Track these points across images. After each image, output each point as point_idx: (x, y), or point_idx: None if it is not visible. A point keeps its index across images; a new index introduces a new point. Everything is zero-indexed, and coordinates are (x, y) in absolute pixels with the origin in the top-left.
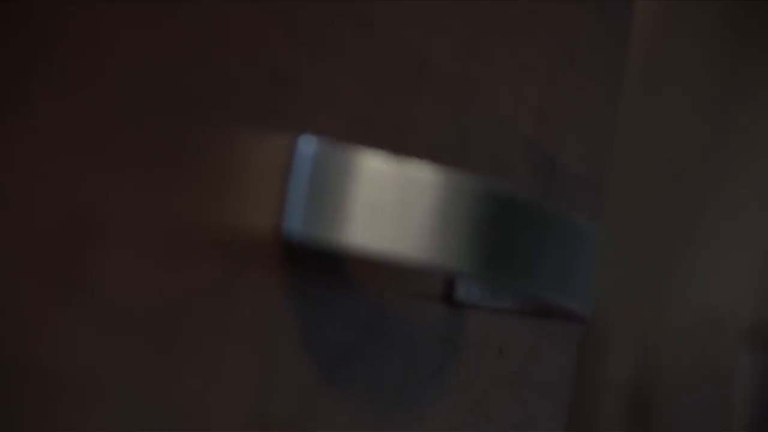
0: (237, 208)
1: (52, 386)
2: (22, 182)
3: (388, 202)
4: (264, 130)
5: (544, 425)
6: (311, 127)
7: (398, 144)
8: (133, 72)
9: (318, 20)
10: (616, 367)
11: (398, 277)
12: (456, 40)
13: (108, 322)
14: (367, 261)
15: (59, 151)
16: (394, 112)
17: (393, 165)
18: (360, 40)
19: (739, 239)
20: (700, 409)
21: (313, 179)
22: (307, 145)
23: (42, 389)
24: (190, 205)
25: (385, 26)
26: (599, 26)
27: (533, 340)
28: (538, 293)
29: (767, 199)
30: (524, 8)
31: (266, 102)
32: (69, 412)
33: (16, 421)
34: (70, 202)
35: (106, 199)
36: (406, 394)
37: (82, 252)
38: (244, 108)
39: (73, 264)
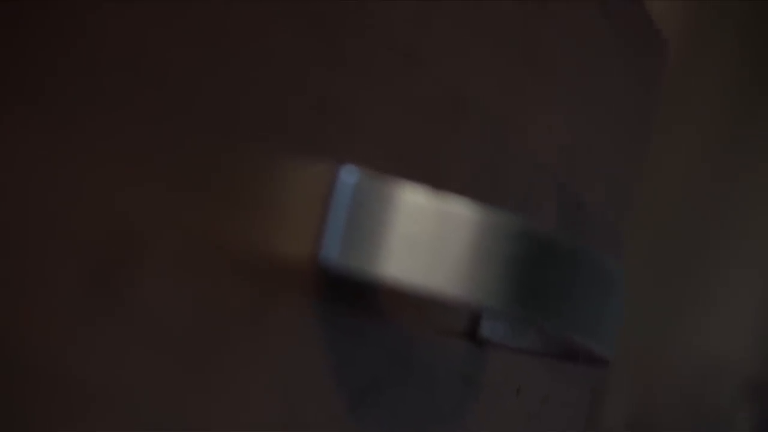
0: (275, 232)
1: (79, 394)
2: (68, 195)
3: (424, 237)
4: (307, 157)
5: None
6: (352, 157)
7: (434, 177)
8: (177, 91)
9: (365, 52)
10: (614, 410)
11: (425, 311)
12: (493, 79)
13: (141, 336)
14: (398, 293)
15: (104, 166)
16: (433, 147)
17: (432, 200)
18: (404, 74)
19: (743, 288)
20: None
21: (352, 209)
22: (349, 175)
23: (68, 397)
24: (229, 228)
25: (428, 62)
26: (630, 69)
27: (550, 381)
28: (566, 333)
29: None
30: (559, 51)
31: (310, 129)
32: (87, 420)
33: (40, 426)
34: (115, 218)
35: (148, 218)
36: (426, 427)
37: (123, 267)
38: (288, 134)
39: (115, 278)
